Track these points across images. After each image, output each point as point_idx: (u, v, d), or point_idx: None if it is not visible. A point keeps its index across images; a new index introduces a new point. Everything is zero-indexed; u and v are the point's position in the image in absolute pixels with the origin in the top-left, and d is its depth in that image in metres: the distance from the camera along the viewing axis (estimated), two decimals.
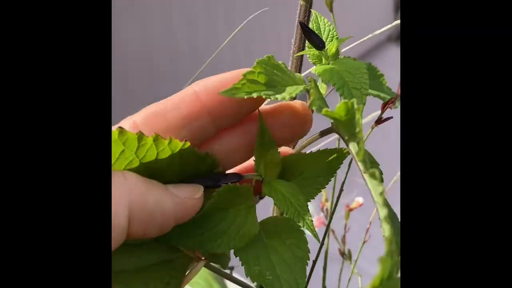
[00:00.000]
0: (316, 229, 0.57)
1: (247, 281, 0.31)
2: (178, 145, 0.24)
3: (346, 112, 0.22)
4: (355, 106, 0.21)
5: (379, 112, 0.49)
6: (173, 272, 0.26)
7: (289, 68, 0.31)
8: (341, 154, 0.28)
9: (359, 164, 0.21)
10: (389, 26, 0.42)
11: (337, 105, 0.22)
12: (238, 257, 0.26)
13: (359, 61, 0.26)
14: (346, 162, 0.49)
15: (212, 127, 0.25)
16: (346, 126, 0.23)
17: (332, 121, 0.26)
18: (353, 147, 0.23)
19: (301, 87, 0.25)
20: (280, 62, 0.27)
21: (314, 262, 0.39)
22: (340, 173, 0.50)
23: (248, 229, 0.26)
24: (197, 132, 0.25)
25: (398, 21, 0.43)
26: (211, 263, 0.29)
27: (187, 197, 0.24)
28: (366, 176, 0.21)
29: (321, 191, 0.29)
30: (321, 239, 0.43)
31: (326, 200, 0.57)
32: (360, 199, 0.57)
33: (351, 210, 0.56)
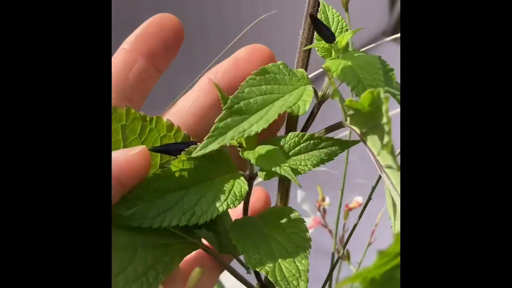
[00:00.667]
0: (312, 229, 0.57)
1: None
2: (122, 113, 0.26)
3: (371, 102, 0.22)
4: (382, 96, 0.21)
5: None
6: (164, 255, 0.27)
7: (295, 62, 0.31)
8: (342, 146, 0.29)
9: (383, 155, 0.21)
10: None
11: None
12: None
13: (372, 55, 0.26)
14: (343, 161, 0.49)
15: (152, 68, 0.29)
16: (367, 118, 0.23)
17: (346, 114, 0.26)
18: (371, 140, 0.24)
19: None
20: (279, 63, 0.28)
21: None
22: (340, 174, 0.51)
23: (239, 189, 0.27)
24: (141, 77, 0.28)
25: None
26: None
27: (121, 154, 0.25)
28: (389, 170, 0.21)
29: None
30: (315, 240, 0.43)
31: (323, 200, 0.57)
32: (359, 199, 0.57)
33: (350, 209, 0.56)
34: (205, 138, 0.25)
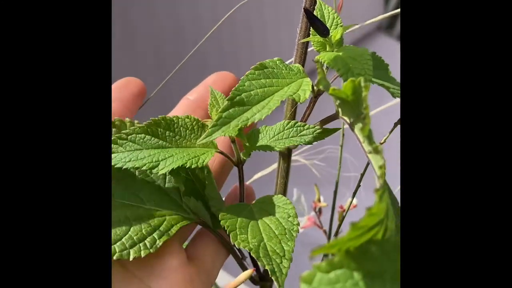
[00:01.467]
0: (304, 229, 0.59)
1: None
2: None
3: (353, 90, 0.24)
4: (362, 84, 0.23)
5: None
6: (159, 226, 0.31)
7: (293, 57, 0.34)
8: (323, 133, 0.32)
9: (364, 141, 0.24)
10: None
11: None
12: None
13: (363, 48, 0.29)
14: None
15: (125, 110, 0.36)
16: (352, 107, 0.25)
17: (336, 104, 0.29)
18: (357, 128, 0.26)
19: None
20: (276, 59, 0.31)
21: None
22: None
23: (205, 156, 0.31)
24: (116, 115, 0.35)
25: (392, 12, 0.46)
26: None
27: None
28: (370, 155, 0.24)
29: None
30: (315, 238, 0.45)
31: (319, 200, 0.59)
32: (354, 201, 0.59)
33: (344, 211, 0.58)
34: (209, 127, 0.27)
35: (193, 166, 0.30)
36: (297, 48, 0.34)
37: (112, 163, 0.29)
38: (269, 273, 0.27)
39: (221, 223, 0.29)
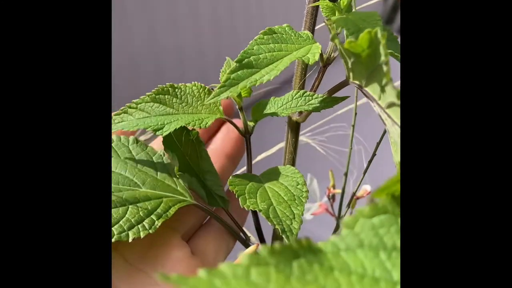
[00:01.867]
0: (316, 216, 0.58)
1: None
2: None
3: (370, 42, 0.23)
4: (379, 34, 0.22)
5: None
6: (156, 208, 0.30)
7: (302, 25, 0.34)
8: (330, 101, 0.32)
9: (382, 93, 0.23)
10: None
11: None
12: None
13: (372, 11, 0.29)
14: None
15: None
16: (367, 63, 0.24)
17: (348, 67, 0.28)
18: (372, 87, 0.26)
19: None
20: (285, 25, 0.31)
21: None
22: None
23: (207, 120, 0.31)
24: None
25: None
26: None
27: None
28: (390, 109, 0.23)
29: None
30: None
31: (333, 187, 0.58)
32: (367, 187, 0.58)
33: (358, 198, 0.57)
34: (217, 87, 0.27)
35: (196, 127, 0.30)
36: (305, 19, 0.34)
37: (121, 128, 0.30)
38: (279, 232, 0.27)
39: (229, 188, 0.29)
